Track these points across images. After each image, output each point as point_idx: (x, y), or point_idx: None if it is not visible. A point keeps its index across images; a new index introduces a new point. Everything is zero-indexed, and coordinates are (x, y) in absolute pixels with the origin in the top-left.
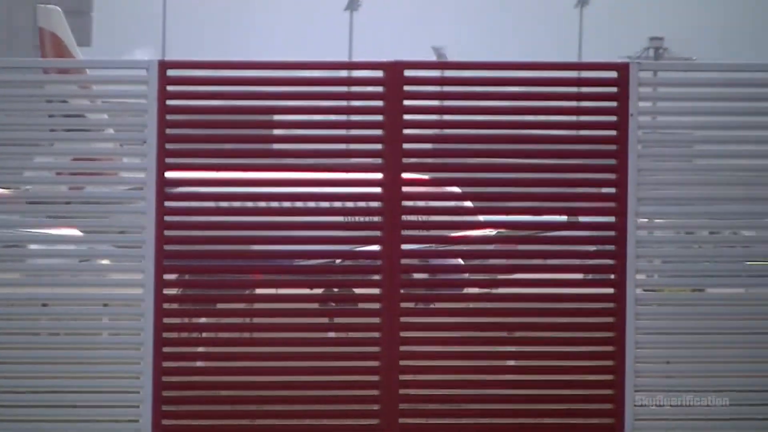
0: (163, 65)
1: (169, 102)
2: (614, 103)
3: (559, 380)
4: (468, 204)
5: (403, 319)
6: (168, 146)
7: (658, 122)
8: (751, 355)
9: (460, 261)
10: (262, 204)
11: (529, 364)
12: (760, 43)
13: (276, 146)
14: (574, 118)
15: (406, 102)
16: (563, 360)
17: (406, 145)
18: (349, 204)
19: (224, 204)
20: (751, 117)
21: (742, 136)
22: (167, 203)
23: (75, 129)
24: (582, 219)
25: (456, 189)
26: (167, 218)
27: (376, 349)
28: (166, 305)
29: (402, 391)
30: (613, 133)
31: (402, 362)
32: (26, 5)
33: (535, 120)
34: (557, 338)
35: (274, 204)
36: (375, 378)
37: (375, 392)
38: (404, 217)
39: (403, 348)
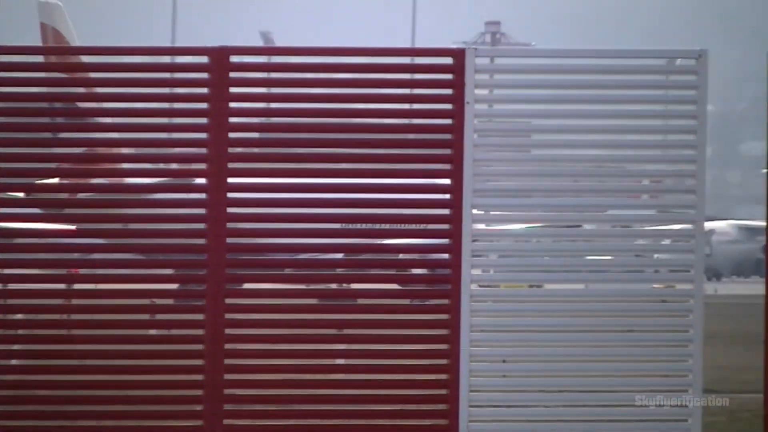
0: None
1: None
2: (449, 91)
3: (391, 380)
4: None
5: (228, 316)
6: None
7: (495, 111)
8: (590, 353)
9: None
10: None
11: (359, 363)
12: (601, 28)
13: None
14: (407, 106)
15: (233, 89)
16: (396, 359)
17: (232, 134)
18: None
19: (39, 196)
20: (592, 105)
21: (582, 125)
22: None
23: None
24: (418, 212)
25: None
26: None
27: (199, 347)
28: None
29: (227, 392)
30: (449, 121)
31: (227, 361)
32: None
33: (367, 108)
34: (390, 336)
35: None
36: (199, 377)
37: (199, 392)
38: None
39: (228, 346)
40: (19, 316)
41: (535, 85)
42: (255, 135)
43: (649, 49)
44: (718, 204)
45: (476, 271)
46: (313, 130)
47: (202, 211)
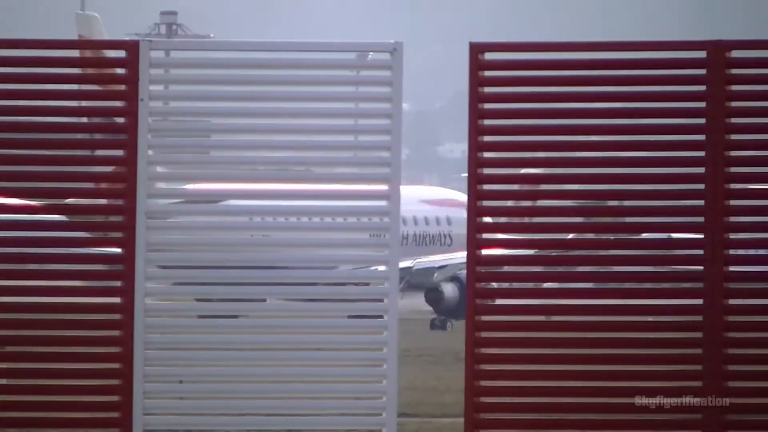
0: None
1: None
2: (122, 87)
3: (59, 401)
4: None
5: None
6: None
7: (171, 108)
8: (275, 373)
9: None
10: None
11: (24, 384)
12: (289, 19)
13: None
14: (85, 103)
15: None
16: (67, 378)
17: None
18: None
19: None
20: (276, 103)
21: (266, 125)
22: None
23: None
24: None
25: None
26: None
27: None
28: None
29: None
30: (121, 120)
31: None
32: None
33: (34, 106)
34: (58, 353)
35: None
36: None
37: None
38: None
39: None
40: None
41: (215, 81)
42: None
43: (339, 42)
44: None
45: (151, 284)
46: (7, 130)
47: None
